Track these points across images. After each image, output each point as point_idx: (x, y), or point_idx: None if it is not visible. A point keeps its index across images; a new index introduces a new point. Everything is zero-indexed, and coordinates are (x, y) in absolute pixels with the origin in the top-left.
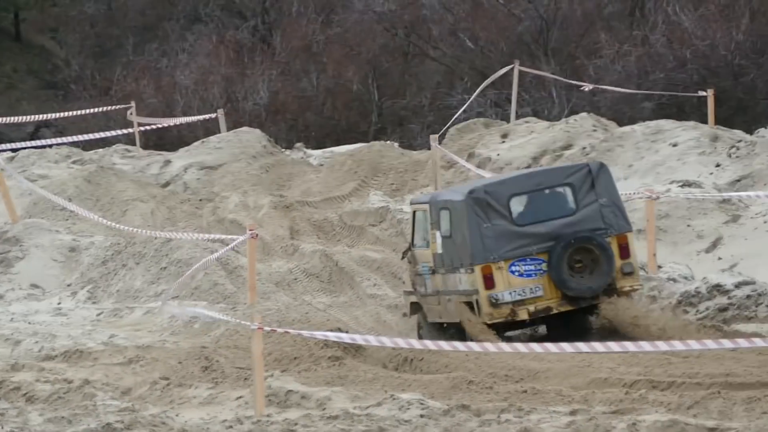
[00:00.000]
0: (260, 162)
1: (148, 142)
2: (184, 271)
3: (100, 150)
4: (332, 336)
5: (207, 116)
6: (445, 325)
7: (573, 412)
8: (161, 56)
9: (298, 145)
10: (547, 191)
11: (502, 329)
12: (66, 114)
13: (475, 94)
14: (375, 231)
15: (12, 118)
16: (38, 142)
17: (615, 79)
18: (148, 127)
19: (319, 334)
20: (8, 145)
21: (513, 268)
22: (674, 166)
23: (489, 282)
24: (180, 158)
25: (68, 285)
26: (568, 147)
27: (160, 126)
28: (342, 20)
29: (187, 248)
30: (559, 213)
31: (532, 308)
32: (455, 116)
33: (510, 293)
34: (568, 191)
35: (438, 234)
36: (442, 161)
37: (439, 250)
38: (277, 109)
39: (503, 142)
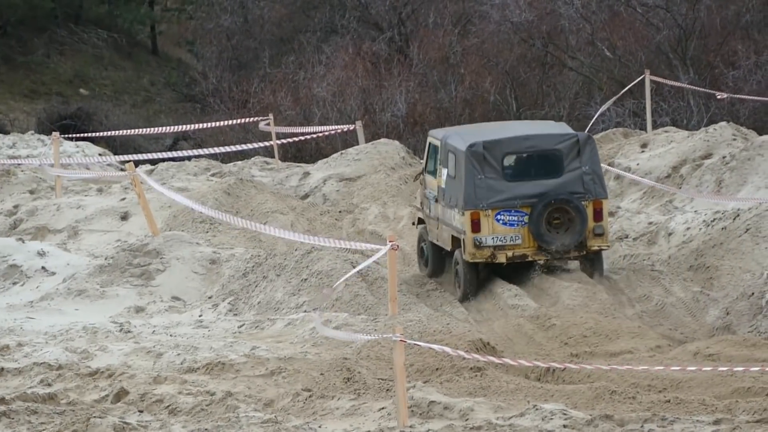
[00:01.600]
0: (399, 173)
1: (286, 155)
2: (324, 283)
3: (239, 162)
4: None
5: (345, 127)
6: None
7: (717, 422)
8: (298, 68)
9: None
10: (537, 154)
11: (483, 268)
12: (204, 126)
13: (607, 104)
14: None
15: (150, 129)
16: (177, 153)
17: (754, 88)
18: (286, 141)
19: (462, 353)
20: (147, 155)
21: (498, 217)
22: None
23: (475, 226)
24: (319, 170)
25: (209, 297)
26: (707, 156)
27: (298, 138)
28: (479, 31)
29: (328, 260)
30: (546, 174)
31: (510, 254)
32: (589, 124)
33: (492, 238)
34: (556, 156)
35: (445, 171)
36: None
37: (443, 185)
38: (415, 120)
39: (642, 151)
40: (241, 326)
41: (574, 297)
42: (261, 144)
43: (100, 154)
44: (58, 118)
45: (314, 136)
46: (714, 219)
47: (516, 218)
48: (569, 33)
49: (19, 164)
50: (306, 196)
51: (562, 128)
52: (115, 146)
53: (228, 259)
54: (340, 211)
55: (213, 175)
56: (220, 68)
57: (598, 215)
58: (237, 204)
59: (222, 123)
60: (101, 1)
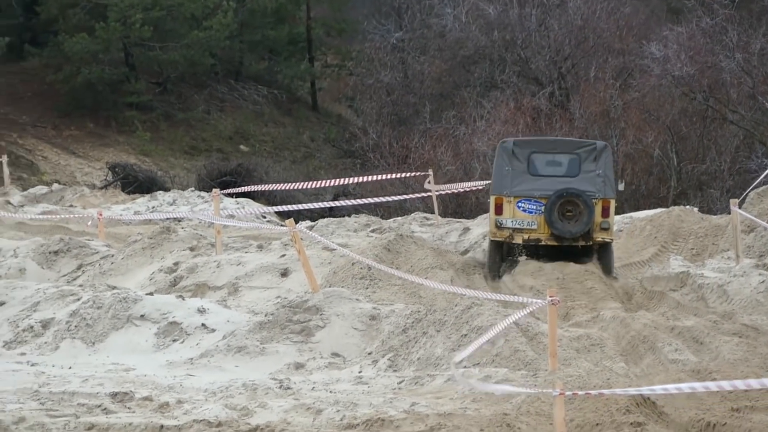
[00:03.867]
0: None
1: (446, 210)
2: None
3: (399, 218)
4: (635, 391)
5: None
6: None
7: None
8: (459, 123)
9: None
10: (559, 155)
11: (507, 251)
12: (363, 180)
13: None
14: (676, 296)
15: (309, 183)
16: (337, 203)
17: None
18: (445, 192)
19: (620, 391)
20: (306, 206)
21: (519, 204)
22: None
23: (498, 209)
24: (479, 225)
25: (369, 353)
26: None
27: (457, 192)
28: (639, 85)
29: (487, 315)
30: (565, 173)
31: (526, 236)
32: (757, 181)
33: (512, 221)
34: (575, 159)
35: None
36: (742, 225)
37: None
38: None
39: None
40: (400, 382)
41: (734, 351)
42: (420, 195)
43: (259, 210)
44: (218, 174)
45: (474, 189)
46: None
47: (534, 207)
48: (730, 86)
49: (179, 220)
50: (466, 251)
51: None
52: (275, 202)
53: (388, 315)
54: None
55: (373, 231)
56: (380, 124)
57: (605, 212)
58: (397, 260)
59: (381, 177)
60: (261, 57)
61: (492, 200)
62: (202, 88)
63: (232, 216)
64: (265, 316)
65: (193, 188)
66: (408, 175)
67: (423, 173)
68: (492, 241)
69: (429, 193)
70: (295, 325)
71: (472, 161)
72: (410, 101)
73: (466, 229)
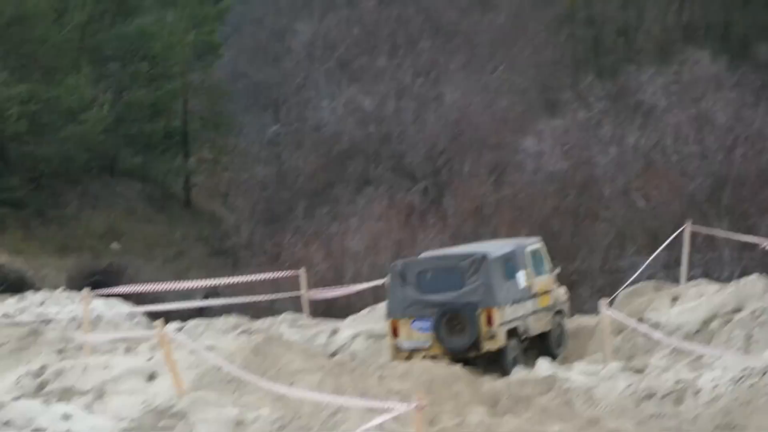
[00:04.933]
0: None
1: (317, 310)
2: None
3: (269, 319)
4: None
5: (376, 283)
6: None
7: None
8: (332, 220)
9: None
10: (443, 271)
11: None
12: (234, 281)
13: (650, 259)
14: (542, 400)
15: (180, 284)
16: (206, 303)
17: None
18: (318, 297)
19: None
20: (174, 305)
21: (415, 324)
22: None
23: (395, 332)
24: (348, 327)
25: None
26: (738, 310)
27: (330, 296)
28: (513, 180)
29: (354, 421)
30: (450, 287)
31: (422, 355)
32: (629, 281)
33: (408, 343)
34: (458, 273)
35: None
36: (611, 326)
37: None
38: None
39: (673, 306)
40: None
41: None
42: (290, 294)
43: (129, 311)
44: (89, 274)
45: (350, 293)
46: (742, 377)
47: (427, 325)
48: (603, 183)
49: (48, 322)
50: (335, 353)
51: (503, 246)
52: (146, 302)
53: (254, 421)
54: (368, 369)
55: (242, 332)
56: (253, 221)
57: (489, 321)
58: (264, 363)
59: (252, 278)
60: (136, 152)
61: (389, 324)
62: (75, 184)
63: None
64: (130, 422)
65: (63, 288)
66: (279, 275)
67: (293, 273)
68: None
69: (299, 293)
70: None
71: (344, 260)
72: (284, 198)
73: (335, 330)
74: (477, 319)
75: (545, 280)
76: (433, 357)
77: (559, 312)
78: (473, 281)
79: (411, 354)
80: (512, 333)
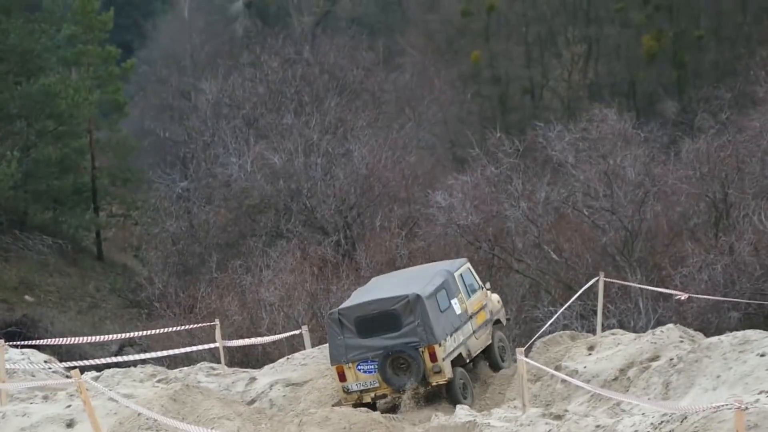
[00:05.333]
0: None
1: (233, 359)
2: None
3: (185, 368)
4: None
5: (291, 333)
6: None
7: None
8: (245, 272)
9: None
10: (380, 314)
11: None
12: (150, 332)
13: (563, 308)
14: None
15: (96, 337)
16: (123, 358)
17: (702, 288)
18: (233, 345)
19: None
20: (92, 361)
21: (359, 367)
22: (763, 376)
23: (342, 377)
24: (265, 375)
25: None
26: (655, 358)
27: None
28: (425, 234)
29: None
30: (388, 330)
31: (372, 395)
32: (542, 330)
33: (357, 384)
34: (395, 315)
35: None
36: (528, 374)
37: None
38: None
39: (590, 354)
40: None
41: None
42: (207, 346)
43: (45, 361)
44: (3, 325)
45: (265, 343)
46: (662, 422)
47: (372, 366)
48: (515, 235)
49: None
50: (252, 401)
51: (418, 283)
52: (61, 353)
53: None
54: (285, 416)
55: (159, 381)
56: (167, 273)
57: (432, 357)
58: (183, 410)
59: (168, 330)
60: (46, 207)
61: (334, 370)
62: None
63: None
64: None
65: None
66: (194, 326)
67: (210, 324)
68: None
69: (216, 344)
70: None
71: (259, 311)
72: (196, 251)
73: (253, 379)
74: (420, 357)
75: (478, 297)
76: (383, 395)
77: (497, 322)
78: (410, 321)
79: (360, 394)
80: (457, 361)
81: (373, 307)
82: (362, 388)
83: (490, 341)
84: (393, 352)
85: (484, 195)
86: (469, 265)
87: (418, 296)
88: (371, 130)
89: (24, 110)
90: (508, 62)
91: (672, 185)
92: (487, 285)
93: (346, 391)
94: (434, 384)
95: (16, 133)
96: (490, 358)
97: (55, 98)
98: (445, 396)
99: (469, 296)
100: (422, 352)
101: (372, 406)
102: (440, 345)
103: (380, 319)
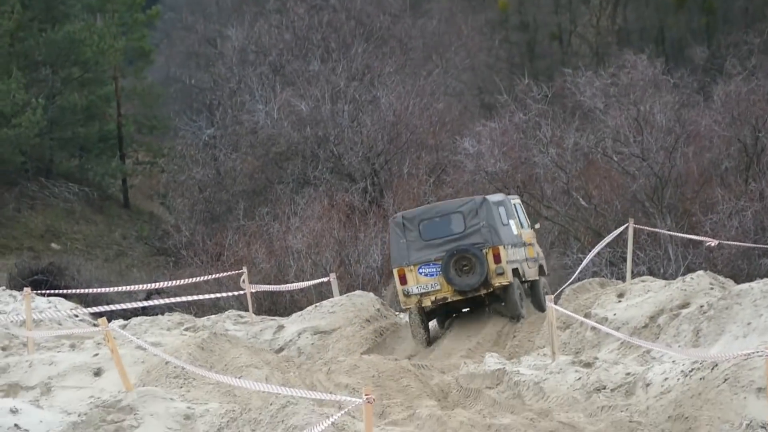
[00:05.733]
0: (374, 326)
1: (260, 308)
2: None
3: (213, 316)
4: None
5: (320, 281)
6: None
7: None
8: (272, 220)
9: None
10: (445, 217)
11: (425, 314)
12: (177, 283)
13: (591, 254)
14: (492, 393)
15: (123, 287)
16: (151, 303)
17: (732, 234)
18: (261, 290)
19: None
20: (120, 306)
21: (421, 270)
22: None
23: (403, 280)
24: (293, 323)
25: None
26: (685, 305)
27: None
28: (453, 180)
29: (303, 414)
30: (453, 232)
31: (433, 298)
32: (573, 277)
33: (417, 287)
34: (460, 217)
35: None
36: (558, 322)
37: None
38: (390, 272)
39: (619, 301)
40: None
41: None
42: (234, 293)
43: (72, 310)
44: (30, 273)
45: (290, 290)
46: (692, 369)
47: (434, 269)
48: (544, 182)
49: None
50: (281, 349)
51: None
52: (88, 302)
53: (202, 415)
54: (315, 364)
55: (186, 329)
56: (194, 221)
57: (497, 258)
58: (211, 358)
59: (195, 279)
60: (72, 155)
61: (395, 273)
62: (12, 186)
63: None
64: (78, 416)
65: (4, 287)
66: (222, 275)
67: (237, 272)
68: (407, 311)
69: (243, 291)
70: (109, 425)
71: (286, 258)
72: (223, 198)
73: (281, 327)
74: (485, 257)
75: (528, 233)
76: (444, 299)
77: (541, 266)
78: (476, 223)
79: (420, 298)
80: (515, 272)
81: (438, 210)
82: (423, 291)
83: (537, 278)
84: (458, 252)
85: (512, 141)
86: (520, 201)
87: (484, 199)
88: (398, 76)
89: (49, 57)
90: (536, 8)
91: (702, 130)
92: (537, 225)
93: (406, 294)
94: (496, 285)
95: (42, 80)
96: (535, 297)
97: (80, 45)
98: (503, 307)
99: (522, 227)
100: (486, 253)
101: (428, 317)
102: (504, 248)
103: (445, 222)
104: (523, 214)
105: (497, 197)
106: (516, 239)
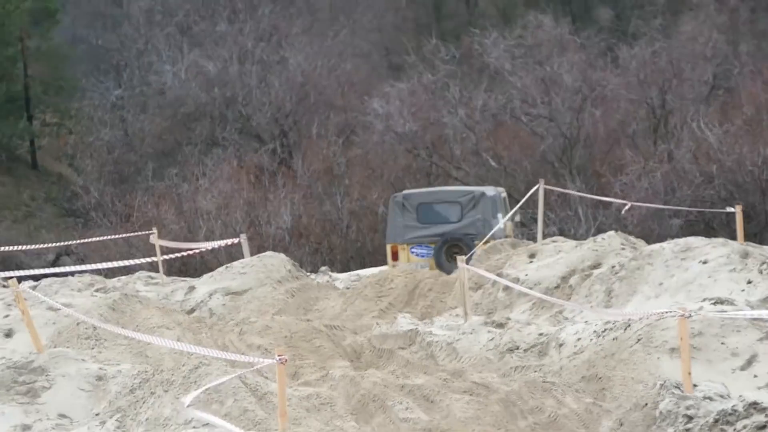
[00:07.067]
0: (286, 286)
1: (171, 269)
2: (213, 398)
3: (123, 277)
4: None
5: (230, 241)
6: None
7: None
8: (182, 181)
9: (323, 268)
10: (443, 204)
11: None
12: (87, 241)
13: (507, 217)
14: (405, 354)
15: (32, 246)
16: (61, 269)
17: (642, 196)
18: (171, 256)
19: None
20: (29, 272)
21: (413, 250)
22: (705, 283)
23: (395, 256)
24: (204, 284)
25: (96, 414)
26: (597, 266)
27: (183, 253)
28: (363, 141)
29: (216, 374)
30: (449, 220)
31: None
32: (486, 237)
33: (407, 265)
34: (457, 207)
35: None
36: (470, 282)
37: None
38: (300, 232)
39: (531, 262)
40: None
41: (465, 409)
42: (146, 260)
43: None
44: None
45: (200, 250)
46: (605, 329)
47: (425, 251)
48: (453, 143)
49: None
50: (192, 310)
51: (479, 188)
52: None
53: (114, 376)
54: (226, 325)
55: (97, 290)
56: (102, 182)
57: None
58: (122, 319)
59: (105, 238)
60: None
61: (388, 248)
62: None
63: None
64: None
65: None
66: (132, 234)
67: (147, 232)
68: None
69: (155, 258)
70: (20, 387)
71: (196, 219)
72: (131, 159)
73: (192, 288)
74: (475, 248)
75: (510, 225)
76: None
77: None
78: (471, 215)
79: None
80: None
81: (438, 196)
82: (412, 269)
83: None
84: (452, 239)
85: (421, 102)
86: (506, 194)
87: (483, 193)
88: (306, 37)
89: None
90: None
91: (610, 91)
92: (517, 218)
93: None
94: None
95: None
96: None
97: None
98: None
99: (505, 219)
100: (477, 244)
101: None
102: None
103: (443, 209)
104: (506, 206)
105: (491, 191)
106: (502, 233)
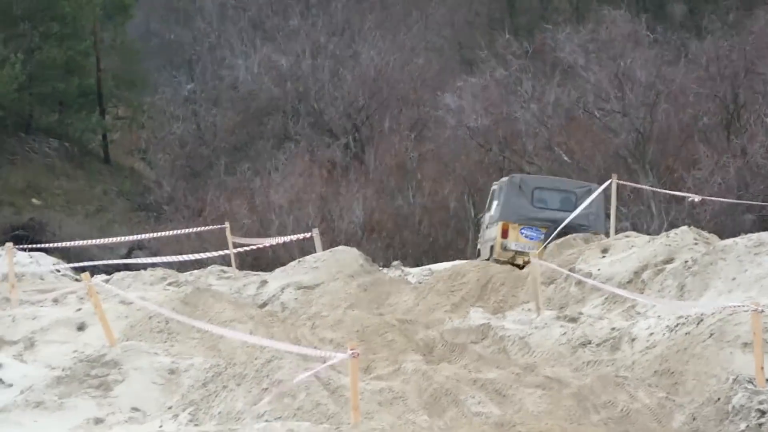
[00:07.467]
0: (358, 281)
1: (243, 263)
2: (286, 392)
3: (196, 271)
4: None
5: (302, 236)
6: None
7: None
8: (254, 176)
9: (395, 263)
10: (559, 192)
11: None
12: (159, 235)
13: (577, 211)
14: (477, 348)
15: (105, 240)
16: (134, 261)
17: (715, 191)
18: (243, 249)
19: None
20: (102, 262)
21: (523, 231)
22: None
23: (505, 233)
24: (276, 278)
25: (169, 408)
26: (669, 261)
27: (253, 246)
28: (435, 136)
29: (288, 368)
30: (562, 208)
31: (525, 259)
32: (555, 232)
33: (515, 245)
34: (572, 197)
35: (495, 202)
36: (542, 277)
37: (492, 213)
38: (372, 227)
39: (603, 257)
40: None
41: (538, 403)
42: (218, 253)
43: (54, 265)
44: (11, 228)
45: (273, 245)
46: (677, 324)
47: (535, 234)
48: (526, 138)
49: None
50: (264, 304)
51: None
52: (69, 257)
53: (187, 369)
54: (299, 319)
55: (169, 284)
56: (174, 176)
57: None
58: (195, 314)
59: (177, 232)
60: (51, 109)
61: (500, 225)
62: None
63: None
64: (63, 370)
65: None
66: (204, 228)
67: (220, 226)
68: (496, 261)
69: (227, 251)
70: (93, 380)
71: (268, 214)
72: (204, 153)
73: (264, 282)
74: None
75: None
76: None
77: None
78: (585, 209)
79: (515, 255)
80: None
81: (555, 184)
82: (519, 249)
83: None
84: (567, 229)
85: (493, 97)
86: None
87: (598, 187)
88: (379, 32)
89: (28, 12)
90: None
91: (683, 86)
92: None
93: (504, 248)
94: None
95: (20, 35)
96: None
97: (58, 0)
98: None
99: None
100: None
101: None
102: (604, 235)
103: (557, 196)
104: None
105: (599, 187)
106: (605, 227)
